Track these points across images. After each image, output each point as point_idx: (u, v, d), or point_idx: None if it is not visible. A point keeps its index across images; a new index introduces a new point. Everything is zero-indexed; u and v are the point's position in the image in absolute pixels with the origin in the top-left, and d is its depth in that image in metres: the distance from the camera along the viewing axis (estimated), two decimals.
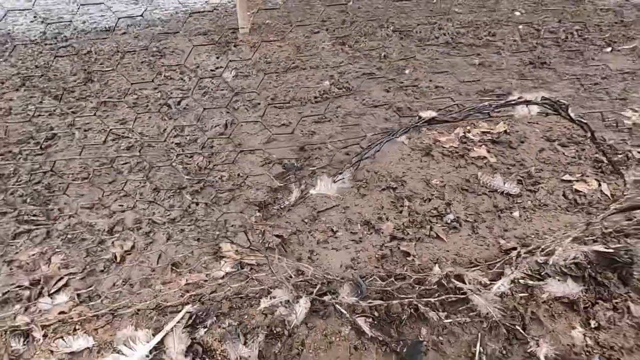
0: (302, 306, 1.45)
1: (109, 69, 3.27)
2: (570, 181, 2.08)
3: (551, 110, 1.88)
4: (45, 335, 1.39)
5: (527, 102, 1.80)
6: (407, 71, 3.19)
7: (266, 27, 4.03)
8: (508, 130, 2.44)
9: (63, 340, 1.36)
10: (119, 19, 3.32)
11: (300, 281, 1.53)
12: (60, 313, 1.49)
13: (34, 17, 4.33)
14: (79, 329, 1.41)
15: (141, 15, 3.90)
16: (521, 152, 2.30)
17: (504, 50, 3.52)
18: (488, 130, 2.44)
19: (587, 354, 1.37)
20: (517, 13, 4.45)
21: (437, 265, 1.62)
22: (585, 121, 1.89)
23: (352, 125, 2.55)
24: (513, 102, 1.83)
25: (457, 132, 2.43)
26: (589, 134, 1.89)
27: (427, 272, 1.58)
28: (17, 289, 1.57)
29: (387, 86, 2.99)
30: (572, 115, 1.79)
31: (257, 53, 3.47)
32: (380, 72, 3.20)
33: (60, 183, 2.12)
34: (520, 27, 4.03)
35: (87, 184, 2.11)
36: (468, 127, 2.46)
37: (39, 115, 2.67)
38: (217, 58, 3.49)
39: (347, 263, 1.68)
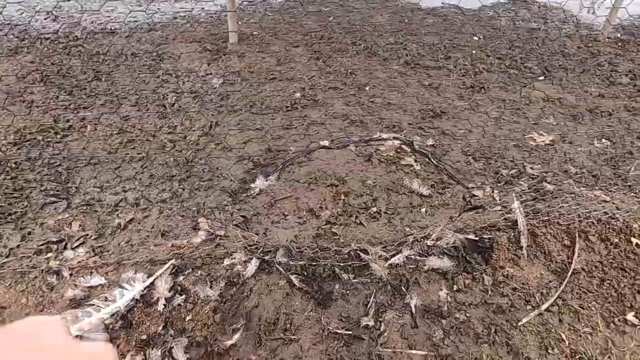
0: (253, 265, 2.06)
1: (114, 69, 3.82)
2: (471, 187, 2.71)
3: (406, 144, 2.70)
4: (71, 274, 1.98)
5: (384, 139, 2.59)
6: (367, 88, 3.79)
7: (254, 38, 4.60)
8: (435, 145, 3.07)
9: (83, 278, 1.95)
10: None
11: (254, 247, 2.14)
12: (79, 262, 2.08)
13: (47, 14, 4.85)
14: (94, 272, 2.01)
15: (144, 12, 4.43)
16: (442, 163, 2.92)
17: (453, 73, 4.14)
18: (420, 143, 3.06)
19: (446, 305, 2.00)
20: (476, 38, 5.07)
21: (353, 242, 2.24)
22: (425, 151, 2.76)
23: (314, 132, 3.16)
24: (376, 138, 2.64)
25: (395, 143, 3.05)
26: (434, 160, 2.62)
27: (346, 247, 2.20)
28: (48, 243, 2.16)
29: (348, 100, 3.59)
30: (415, 147, 2.58)
31: (242, 63, 4.04)
32: (345, 87, 3.80)
33: (75, 166, 2.70)
34: (474, 51, 4.65)
35: (98, 168, 2.69)
36: (403, 143, 3.08)
37: (57, 108, 3.23)
38: (209, 65, 4.06)
39: (291, 238, 2.29)
